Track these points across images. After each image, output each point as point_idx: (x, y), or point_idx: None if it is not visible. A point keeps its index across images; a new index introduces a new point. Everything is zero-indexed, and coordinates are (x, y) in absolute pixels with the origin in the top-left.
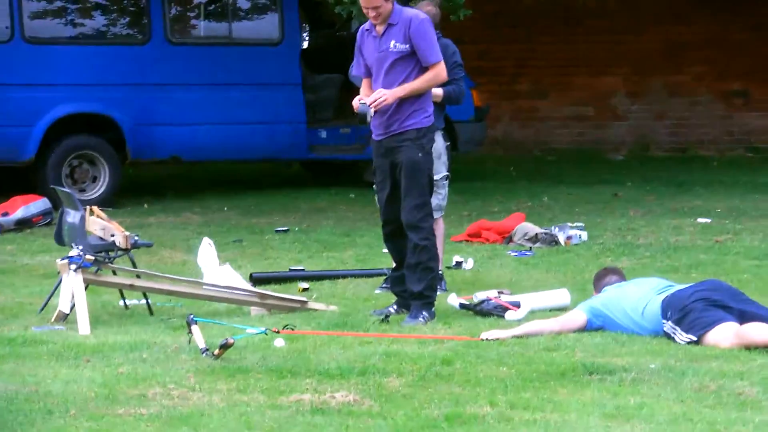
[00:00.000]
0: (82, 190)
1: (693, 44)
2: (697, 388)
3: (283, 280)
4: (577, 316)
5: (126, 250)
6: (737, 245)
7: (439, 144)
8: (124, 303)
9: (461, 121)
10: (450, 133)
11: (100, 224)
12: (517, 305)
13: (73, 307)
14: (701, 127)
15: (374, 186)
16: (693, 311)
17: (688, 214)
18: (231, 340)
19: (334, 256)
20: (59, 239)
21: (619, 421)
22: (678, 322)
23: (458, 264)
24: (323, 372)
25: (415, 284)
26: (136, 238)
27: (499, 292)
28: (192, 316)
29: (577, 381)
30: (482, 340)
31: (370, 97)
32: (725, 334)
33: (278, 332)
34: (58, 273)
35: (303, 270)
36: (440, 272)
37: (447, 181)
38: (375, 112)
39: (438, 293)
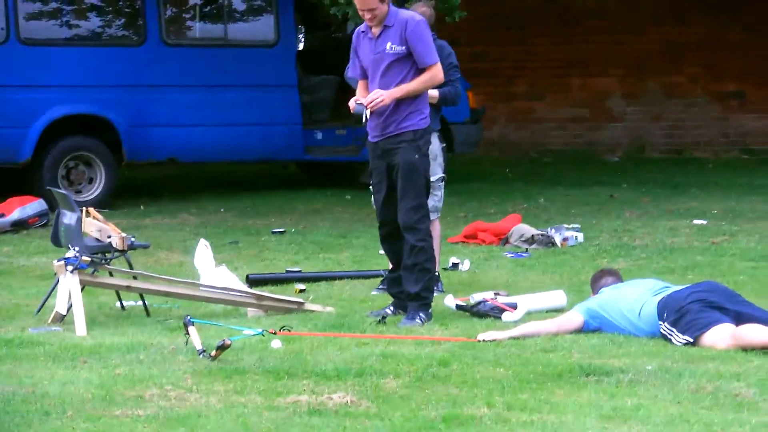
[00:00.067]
0: (79, 192)
1: (689, 46)
2: (694, 390)
3: (280, 282)
4: (574, 318)
5: (122, 252)
6: (733, 247)
7: (435, 145)
8: (121, 304)
9: (457, 122)
10: (446, 135)
11: (96, 226)
12: (514, 307)
13: (69, 308)
14: (697, 128)
15: (370, 187)
16: (689, 313)
17: (684, 215)
18: (228, 342)
19: (331, 257)
20: (56, 241)
21: (616, 422)
22: (674, 324)
23: (455, 265)
24: (320, 373)
25: (412, 285)
26: (133, 239)
27: (495, 294)
28: (189, 317)
29: (574, 382)
30: (479, 341)
31: (366, 98)
32: (721, 335)
33: (275, 333)
34: (55, 274)
35: (300, 271)
36: (437, 273)
37: (443, 182)
38: (371, 113)
39: (435, 294)
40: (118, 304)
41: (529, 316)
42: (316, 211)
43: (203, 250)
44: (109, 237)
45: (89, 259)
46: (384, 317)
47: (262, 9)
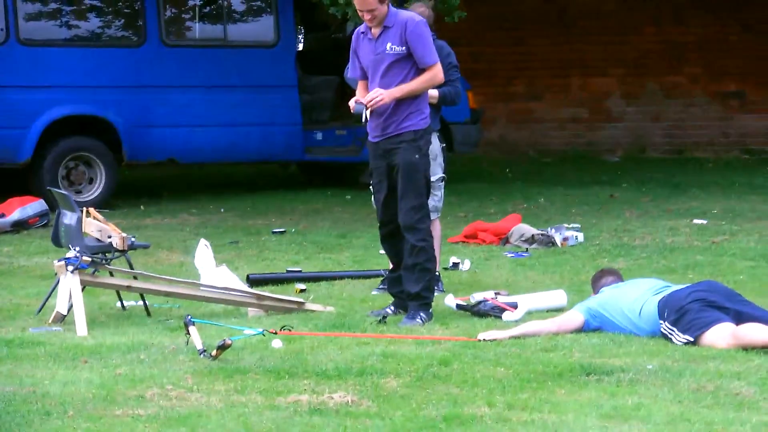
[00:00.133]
0: (79, 192)
1: (689, 46)
2: (695, 389)
3: (280, 282)
4: (575, 317)
5: (123, 252)
6: (733, 246)
7: (435, 145)
8: (122, 304)
9: (457, 122)
10: (445, 135)
11: (96, 226)
12: (514, 306)
13: (70, 308)
14: (697, 128)
15: (371, 187)
16: (690, 312)
17: (684, 215)
18: (228, 341)
19: (331, 257)
20: (56, 241)
21: (617, 421)
22: (675, 323)
23: (455, 265)
24: (321, 373)
25: (412, 285)
26: (133, 239)
27: (496, 293)
28: (189, 317)
29: (575, 382)
30: (480, 340)
31: (366, 97)
32: (722, 334)
33: (276, 333)
34: (56, 274)
35: (300, 271)
36: (437, 273)
37: (443, 182)
38: (371, 112)
39: (435, 294)
40: (118, 304)
41: (530, 315)
42: (316, 211)
43: (203, 250)
44: (109, 237)
45: (90, 259)
46: (384, 317)
47: (262, 9)
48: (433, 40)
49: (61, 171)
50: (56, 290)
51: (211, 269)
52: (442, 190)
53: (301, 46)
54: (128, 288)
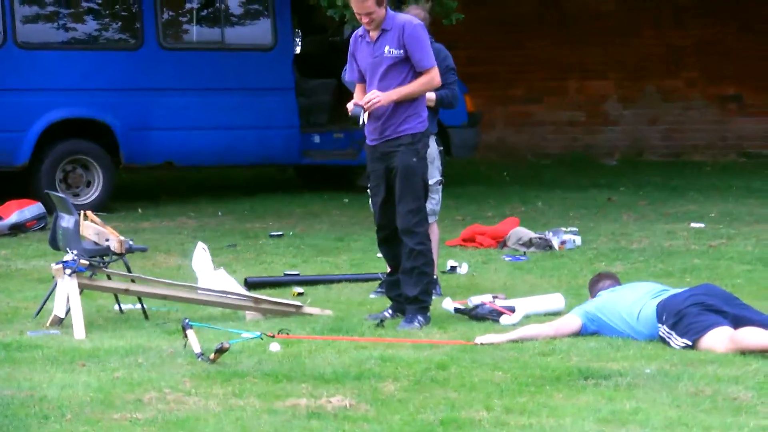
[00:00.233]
0: (76, 195)
1: (686, 49)
2: (693, 393)
3: (278, 285)
4: (572, 321)
5: (121, 255)
6: (731, 250)
7: (433, 149)
8: (119, 307)
9: (454, 126)
10: (443, 138)
11: (94, 229)
12: (512, 310)
13: (68, 311)
14: (695, 132)
15: (368, 191)
16: (688, 316)
17: (681, 218)
18: (226, 345)
19: (329, 260)
20: (54, 244)
21: (615, 425)
22: (673, 327)
23: (453, 269)
24: (319, 376)
25: (410, 289)
26: (131, 242)
27: (493, 297)
28: (187, 320)
29: (573, 386)
30: (477, 344)
31: (363, 99)
32: (720, 338)
33: (273, 337)
34: (53, 277)
35: (298, 275)
36: (435, 277)
37: (440, 186)
38: (369, 115)
39: (433, 298)
40: (116, 307)
41: (528, 319)
42: (314, 214)
43: (201, 254)
44: (107, 240)
45: (87, 262)
46: (382, 320)
47: (259, 12)
48: (431, 43)
49: (59, 174)
50: (54, 293)
51: (209, 272)
52: (440, 194)
53: (298, 49)
54: (126, 291)
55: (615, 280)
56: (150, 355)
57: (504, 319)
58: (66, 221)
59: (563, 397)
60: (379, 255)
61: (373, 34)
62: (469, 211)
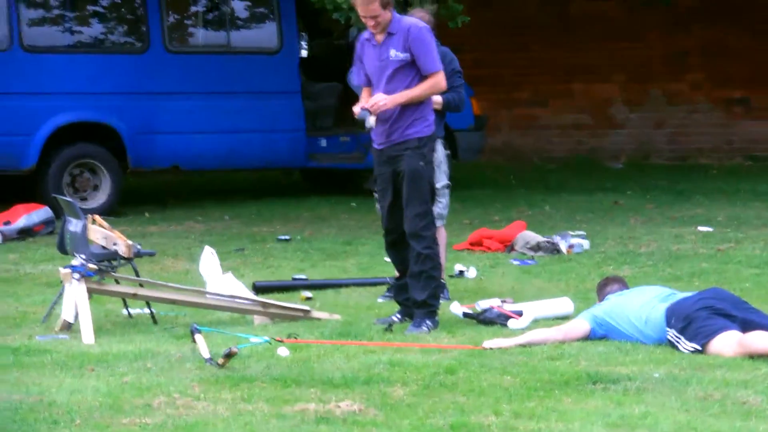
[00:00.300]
0: (84, 199)
1: (692, 52)
2: (702, 397)
3: (286, 289)
4: (580, 325)
5: (129, 259)
6: (739, 254)
7: (439, 152)
8: (128, 312)
9: (461, 129)
10: (449, 142)
11: (102, 233)
12: (520, 314)
13: (76, 316)
14: (701, 135)
15: (375, 194)
16: (696, 320)
17: (688, 222)
18: (235, 349)
19: (337, 264)
20: (62, 248)
21: (624, 430)
22: (682, 331)
23: (461, 273)
24: (327, 381)
25: (418, 293)
26: (139, 247)
27: (501, 301)
28: (195, 325)
29: (581, 390)
30: (485, 348)
31: (369, 102)
32: (728, 342)
33: (282, 341)
34: (61, 282)
35: (306, 279)
36: (443, 281)
37: (448, 189)
38: (376, 118)
39: (441, 302)
40: (124, 311)
41: (536, 323)
42: (321, 218)
43: (209, 258)
44: (115, 244)
45: (95, 266)
46: (390, 325)
47: (265, 16)
48: (436, 46)
49: (66, 178)
50: (62, 298)
51: (217, 277)
52: (447, 198)
53: (304, 53)
54: (134, 296)
55: (623, 283)
56: (159, 359)
57: (512, 323)
58: (74, 225)
59: (572, 401)
60: (387, 259)
61: (379, 38)
62: (476, 214)
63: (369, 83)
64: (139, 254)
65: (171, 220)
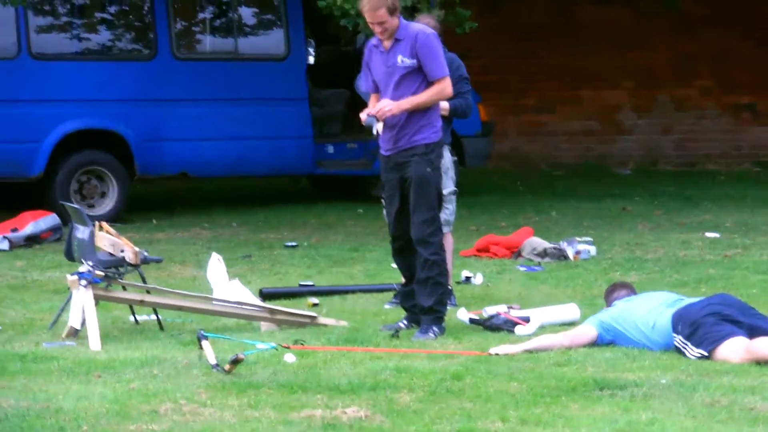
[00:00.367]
0: (91, 206)
1: (700, 58)
2: (709, 404)
3: (293, 296)
4: (587, 331)
5: (136, 266)
6: (746, 260)
7: (446, 159)
8: (135, 319)
9: (468, 135)
10: (456, 148)
11: (109, 240)
12: (527, 320)
13: (83, 322)
14: (709, 141)
15: (382, 201)
16: (703, 326)
17: (696, 228)
18: (241, 356)
19: (343, 271)
20: (69, 255)
21: None
22: (688, 337)
23: (467, 279)
24: (334, 387)
25: (425, 299)
26: (146, 253)
27: (508, 307)
28: (202, 332)
29: (588, 396)
30: (492, 355)
31: (375, 108)
32: (735, 348)
33: (288, 348)
34: (69, 289)
35: (312, 285)
36: (450, 287)
37: (454, 196)
38: (383, 124)
39: (448, 308)
40: (131, 318)
41: (542, 329)
42: (328, 224)
43: (216, 264)
44: (122, 251)
45: (102, 273)
46: (397, 331)
47: (273, 22)
48: (444, 52)
49: (74, 185)
50: (69, 305)
51: (224, 283)
52: (454, 204)
53: (312, 59)
54: (141, 302)
55: (630, 289)
56: (165, 366)
57: (519, 330)
58: (81, 232)
59: (579, 407)
60: (394, 265)
61: (387, 44)
62: (482, 220)
63: (377, 89)
64: (146, 261)
65: (178, 227)
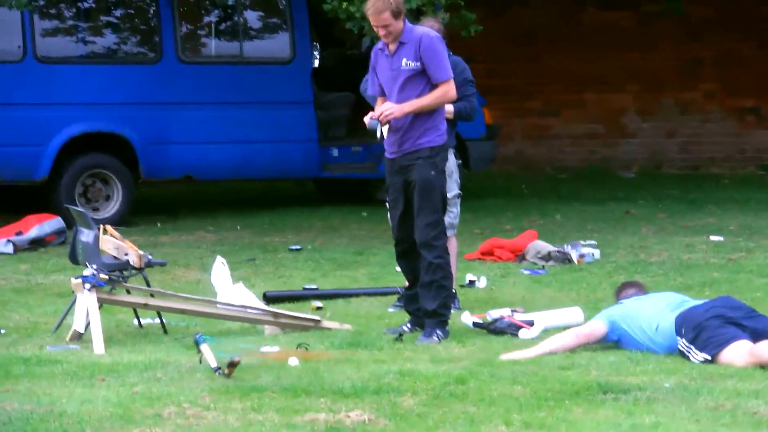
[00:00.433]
0: (96, 209)
1: (704, 61)
2: (713, 407)
3: (297, 299)
4: (597, 327)
5: (140, 269)
6: (750, 263)
7: (451, 162)
8: (138, 322)
9: (472, 139)
10: (461, 152)
11: (113, 243)
12: (531, 324)
13: (87, 326)
14: (713, 144)
15: (387, 204)
16: (707, 329)
17: (700, 231)
18: (237, 358)
19: (347, 274)
20: (73, 258)
21: None
22: (692, 341)
23: (471, 282)
24: (337, 391)
25: (429, 303)
26: (150, 257)
27: (512, 311)
28: (198, 335)
29: (592, 400)
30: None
31: (377, 111)
32: (740, 352)
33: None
34: (73, 292)
35: (316, 289)
36: (453, 291)
37: (459, 199)
38: (388, 127)
39: (452, 312)
40: (135, 321)
41: (546, 332)
42: (332, 228)
43: (220, 268)
44: (126, 254)
45: (107, 276)
46: (401, 334)
47: (278, 26)
48: (449, 56)
49: (78, 188)
50: (73, 308)
51: (228, 287)
52: (458, 207)
53: (317, 63)
54: (145, 306)
55: (640, 288)
56: (169, 369)
57: (523, 333)
58: (85, 236)
59: (582, 411)
60: (398, 269)
61: (392, 47)
62: (487, 224)
63: (383, 93)
64: (150, 264)
65: (183, 230)
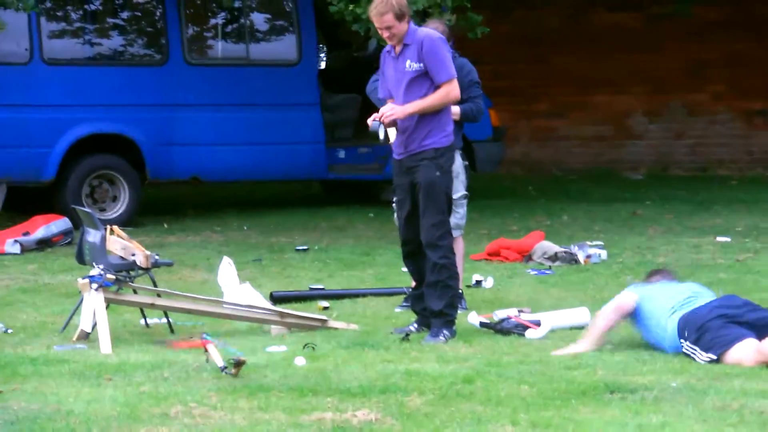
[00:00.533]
0: (103, 210)
1: (712, 63)
2: (720, 407)
3: (303, 299)
4: (629, 298)
5: (146, 270)
6: (758, 264)
7: (457, 163)
8: (145, 322)
9: (479, 140)
10: (468, 153)
11: (120, 243)
12: (538, 324)
13: (94, 326)
14: (720, 146)
15: (393, 204)
16: (710, 330)
17: (707, 232)
18: (242, 358)
19: (354, 274)
20: (80, 258)
21: None
22: (696, 342)
23: (478, 283)
24: (344, 390)
25: (435, 303)
26: (157, 257)
27: (519, 311)
28: (204, 335)
29: (599, 400)
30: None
31: (379, 112)
32: (747, 351)
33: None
34: (80, 292)
35: (323, 289)
36: (460, 291)
37: (465, 200)
38: (395, 129)
39: (458, 312)
40: (142, 321)
41: (553, 333)
42: (339, 228)
43: (227, 268)
44: (133, 255)
45: (113, 276)
46: (408, 334)
47: (284, 28)
48: (455, 57)
49: (85, 189)
50: (80, 308)
51: (235, 287)
52: (465, 208)
53: (323, 65)
54: (152, 305)
55: (666, 275)
56: (175, 369)
57: (530, 333)
58: (92, 236)
59: (589, 411)
60: (404, 269)
61: (397, 49)
62: (493, 224)
63: (391, 95)
64: (156, 264)
65: (189, 231)
